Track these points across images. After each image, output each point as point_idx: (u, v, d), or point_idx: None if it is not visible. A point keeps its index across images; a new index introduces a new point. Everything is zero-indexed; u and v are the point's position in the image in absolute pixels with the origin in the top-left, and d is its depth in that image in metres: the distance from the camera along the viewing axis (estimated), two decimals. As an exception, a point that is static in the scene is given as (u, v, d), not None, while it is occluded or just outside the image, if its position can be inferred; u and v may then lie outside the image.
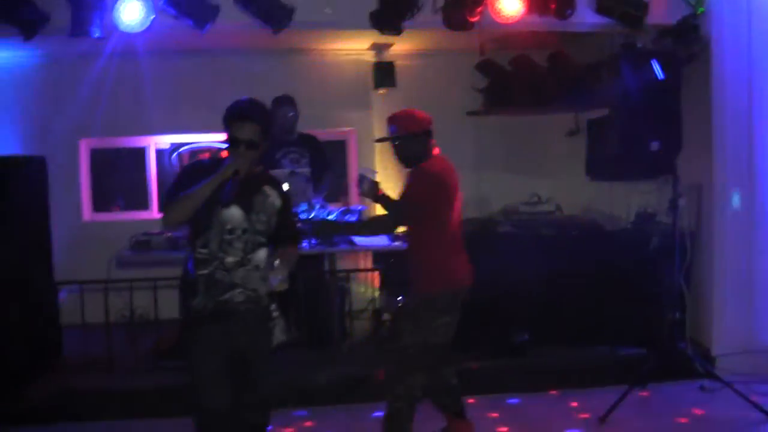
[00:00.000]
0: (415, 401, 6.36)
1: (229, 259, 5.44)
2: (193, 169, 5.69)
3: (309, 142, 9.63)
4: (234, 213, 5.45)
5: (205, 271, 5.44)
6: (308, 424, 7.74)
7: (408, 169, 6.66)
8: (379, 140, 7.14)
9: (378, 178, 6.81)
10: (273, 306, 5.70)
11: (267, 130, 5.63)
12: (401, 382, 6.33)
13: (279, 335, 5.71)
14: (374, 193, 6.62)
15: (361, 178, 6.74)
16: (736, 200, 8.99)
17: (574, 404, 8.09)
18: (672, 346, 8.21)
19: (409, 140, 6.62)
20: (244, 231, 5.49)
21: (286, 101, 9.36)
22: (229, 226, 5.44)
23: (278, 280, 5.36)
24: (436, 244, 6.51)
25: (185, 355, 5.55)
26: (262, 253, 5.57)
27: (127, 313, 8.98)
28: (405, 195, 6.46)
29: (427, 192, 6.41)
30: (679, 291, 8.47)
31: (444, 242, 6.55)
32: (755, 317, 9.00)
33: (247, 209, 5.51)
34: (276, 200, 5.67)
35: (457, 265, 6.63)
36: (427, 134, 6.69)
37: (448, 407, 6.94)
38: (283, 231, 5.74)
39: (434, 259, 6.51)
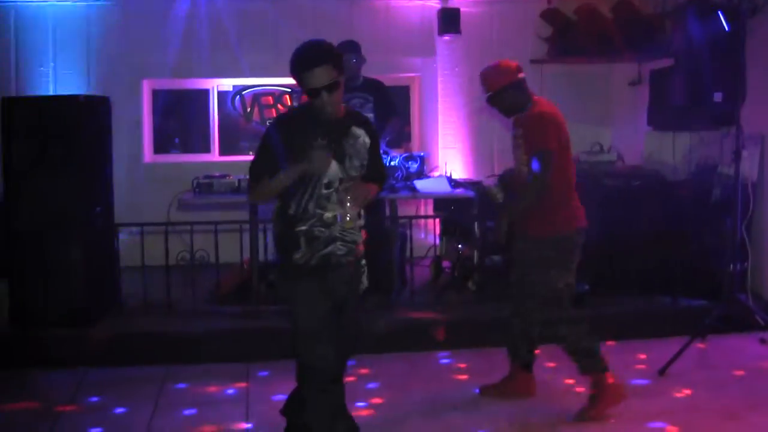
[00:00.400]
0: (585, 329, 6.54)
1: (328, 215, 5.28)
2: (280, 127, 5.36)
3: (374, 86, 9.66)
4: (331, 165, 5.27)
5: (304, 227, 5.28)
6: (364, 371, 7.69)
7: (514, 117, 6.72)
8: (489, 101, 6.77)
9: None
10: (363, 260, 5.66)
11: (340, 65, 5.23)
12: (563, 323, 6.48)
13: (364, 281, 5.69)
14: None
15: (491, 193, 7.02)
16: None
17: (634, 355, 8.06)
18: (733, 298, 8.21)
19: (502, 94, 6.56)
20: (341, 181, 5.31)
21: (350, 47, 9.37)
22: (326, 180, 5.25)
23: (344, 216, 5.27)
24: (567, 184, 6.54)
25: (288, 306, 5.44)
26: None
27: (187, 255, 9.04)
28: (537, 147, 6.36)
29: (552, 134, 6.37)
30: (741, 242, 8.45)
31: (571, 181, 6.58)
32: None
33: (341, 157, 5.30)
34: (365, 139, 5.45)
35: (578, 202, 6.63)
36: (520, 82, 6.57)
37: (519, 356, 6.94)
38: (370, 170, 5.54)
39: (565, 199, 6.51)
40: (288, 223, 5.33)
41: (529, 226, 6.50)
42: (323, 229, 5.29)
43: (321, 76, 5.10)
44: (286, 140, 5.20)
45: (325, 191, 5.26)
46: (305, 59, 5.15)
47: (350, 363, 5.89)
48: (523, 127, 6.50)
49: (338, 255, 5.36)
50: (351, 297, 5.58)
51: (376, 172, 5.64)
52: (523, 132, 6.49)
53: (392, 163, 9.08)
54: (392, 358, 8.12)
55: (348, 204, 5.26)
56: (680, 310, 8.85)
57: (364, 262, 5.65)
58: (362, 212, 5.59)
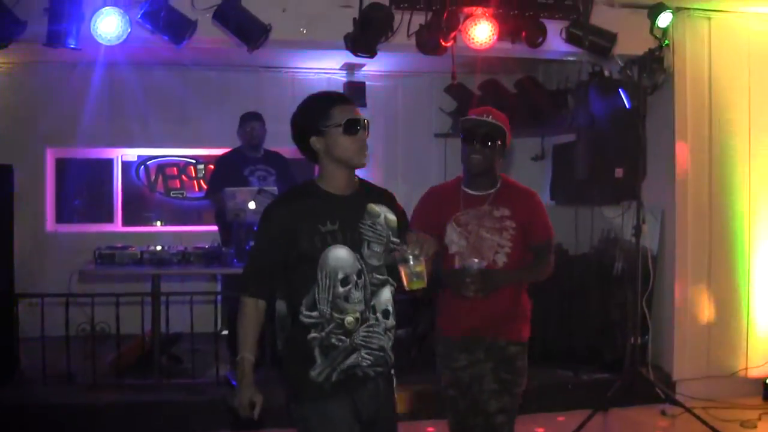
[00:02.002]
0: None
1: (349, 319, 4.29)
2: (280, 210, 4.41)
3: (275, 159, 9.66)
4: (341, 255, 4.30)
5: (318, 335, 4.29)
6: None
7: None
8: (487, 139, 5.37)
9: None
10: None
11: None
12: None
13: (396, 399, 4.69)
14: (498, 281, 5.36)
15: (470, 273, 5.27)
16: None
17: (538, 429, 8.13)
18: (634, 371, 8.32)
19: (503, 151, 5.50)
20: (360, 274, 4.32)
21: (253, 117, 9.41)
22: (341, 275, 4.28)
23: (417, 275, 4.23)
24: None
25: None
26: (386, 293, 4.42)
27: (88, 327, 8.84)
28: (546, 234, 5.59)
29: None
30: (641, 316, 8.58)
31: None
32: (715, 343, 9.16)
33: (356, 245, 4.34)
34: (389, 215, 4.48)
35: None
36: None
37: None
38: None
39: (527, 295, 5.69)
40: (298, 330, 4.33)
41: (509, 329, 5.47)
42: (343, 338, 4.29)
43: (355, 111, 4.39)
44: (290, 226, 4.29)
45: (341, 289, 4.27)
46: (335, 95, 4.57)
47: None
48: (515, 207, 5.43)
49: (364, 367, 4.34)
50: (385, 416, 4.56)
51: None
52: (514, 213, 5.41)
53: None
54: None
55: (410, 261, 4.20)
56: (583, 383, 8.90)
57: (393, 372, 4.60)
58: (391, 311, 4.47)
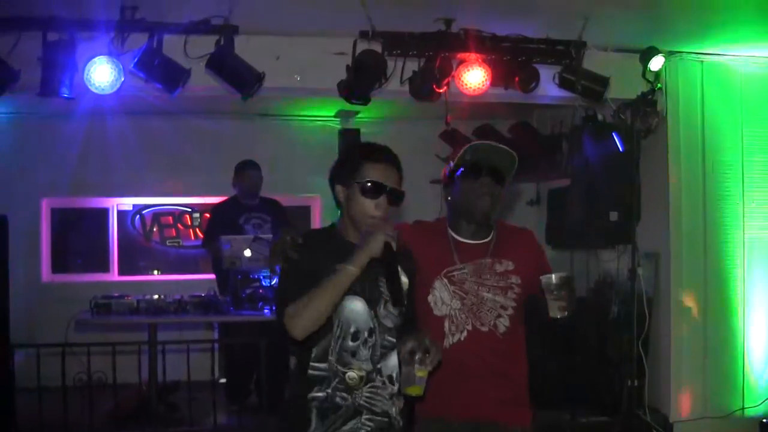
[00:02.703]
0: None
1: (352, 374, 4.01)
2: (304, 249, 4.10)
3: (271, 206, 9.70)
4: (357, 308, 4.04)
5: (321, 394, 4.01)
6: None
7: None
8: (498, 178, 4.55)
9: None
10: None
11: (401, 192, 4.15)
12: None
13: None
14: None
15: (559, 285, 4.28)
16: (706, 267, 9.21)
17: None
18: (631, 414, 8.31)
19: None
20: (371, 332, 4.06)
21: (250, 165, 9.45)
22: (353, 329, 4.03)
23: (418, 380, 3.88)
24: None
25: None
26: (393, 360, 4.11)
27: (85, 377, 8.75)
28: (544, 256, 4.85)
29: None
30: (638, 358, 8.58)
31: None
32: (711, 383, 9.14)
33: (372, 300, 4.08)
34: (403, 278, 4.18)
35: None
36: None
37: None
38: (410, 319, 4.24)
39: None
40: (302, 387, 4.07)
41: (522, 413, 4.65)
42: (345, 395, 4.02)
43: (390, 174, 4.10)
44: (313, 266, 3.99)
45: (351, 344, 4.01)
46: (378, 148, 4.24)
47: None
48: (518, 257, 4.57)
49: None
50: None
51: (409, 321, 4.24)
52: (518, 265, 4.55)
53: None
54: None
55: (418, 362, 3.88)
56: (580, 426, 8.88)
57: None
58: (395, 378, 4.13)
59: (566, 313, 4.24)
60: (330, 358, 4.01)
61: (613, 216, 8.72)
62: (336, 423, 4.00)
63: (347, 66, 8.02)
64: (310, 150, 11.80)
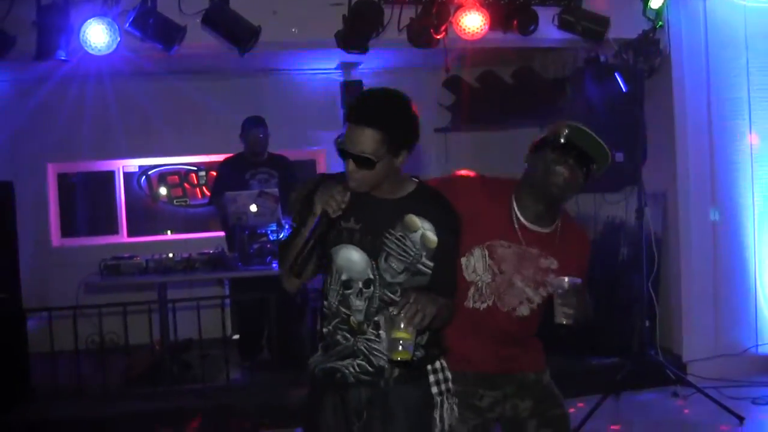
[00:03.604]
0: None
1: (354, 319, 3.97)
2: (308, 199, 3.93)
3: (278, 162, 9.65)
4: (352, 257, 3.96)
5: (327, 328, 4.05)
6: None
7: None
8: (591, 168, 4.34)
9: None
10: (436, 388, 4.06)
11: (397, 141, 3.81)
12: None
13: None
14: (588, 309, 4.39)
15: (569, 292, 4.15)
16: (714, 214, 9.16)
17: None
18: (643, 355, 8.31)
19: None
20: (368, 284, 3.95)
21: (256, 122, 9.39)
22: (345, 277, 3.98)
23: (398, 345, 3.64)
24: None
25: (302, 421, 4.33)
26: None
27: (97, 339, 8.83)
28: (586, 269, 4.57)
29: None
30: (648, 299, 8.56)
31: None
32: (723, 322, 9.18)
33: (374, 252, 3.94)
34: (429, 234, 3.95)
35: None
36: None
37: None
38: (433, 281, 3.99)
39: None
40: (319, 319, 4.15)
41: (535, 359, 4.62)
42: (348, 336, 4.00)
43: (360, 137, 3.77)
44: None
45: (345, 291, 3.98)
46: (357, 108, 3.85)
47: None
48: (565, 260, 4.38)
49: (347, 374, 4.00)
50: None
51: (439, 285, 3.98)
52: (562, 267, 4.34)
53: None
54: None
55: (399, 324, 3.64)
56: (591, 368, 8.90)
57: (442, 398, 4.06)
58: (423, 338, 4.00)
59: (571, 321, 4.15)
60: (330, 298, 4.01)
61: (619, 157, 8.66)
62: (332, 357, 4.01)
63: (344, 16, 7.98)
64: (313, 103, 11.78)
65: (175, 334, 8.76)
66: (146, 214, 12.21)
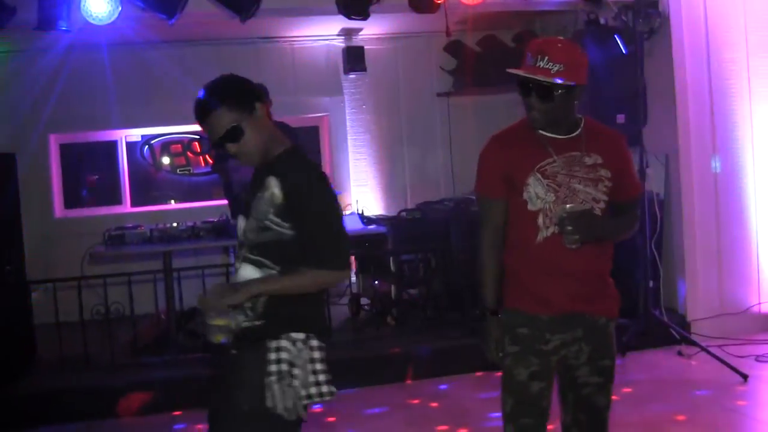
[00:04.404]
0: None
1: (233, 278, 4.09)
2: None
3: (281, 129, 9.65)
4: (239, 225, 4.13)
5: None
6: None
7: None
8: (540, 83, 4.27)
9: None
10: (275, 367, 3.90)
11: (243, 101, 3.97)
12: None
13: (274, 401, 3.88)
14: (600, 228, 4.37)
15: (571, 216, 4.23)
16: (716, 165, 9.19)
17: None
18: (648, 314, 8.35)
19: (578, 93, 4.32)
20: (240, 246, 4.09)
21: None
22: (237, 243, 4.20)
23: (214, 327, 3.82)
24: None
25: None
26: (244, 272, 4.00)
27: (102, 309, 8.75)
28: (638, 187, 4.69)
29: None
30: (652, 260, 8.60)
31: None
32: (726, 281, 9.23)
33: (247, 215, 4.07)
34: (274, 192, 3.93)
35: None
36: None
37: None
38: (300, 243, 3.95)
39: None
40: None
41: (608, 303, 4.58)
42: None
43: (215, 124, 3.93)
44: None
45: (239, 252, 4.13)
46: (195, 109, 3.98)
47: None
48: (607, 153, 4.44)
49: (212, 334, 3.93)
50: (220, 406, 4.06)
51: (303, 246, 3.95)
52: (607, 160, 4.42)
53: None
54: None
55: (207, 312, 3.86)
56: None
57: (279, 369, 3.89)
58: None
59: (579, 245, 4.20)
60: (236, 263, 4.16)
61: (620, 119, 8.68)
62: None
63: (345, -19, 7.99)
64: (315, 70, 11.81)
65: (181, 303, 8.79)
66: (149, 184, 12.22)
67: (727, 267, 9.22)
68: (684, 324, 8.92)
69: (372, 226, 9.23)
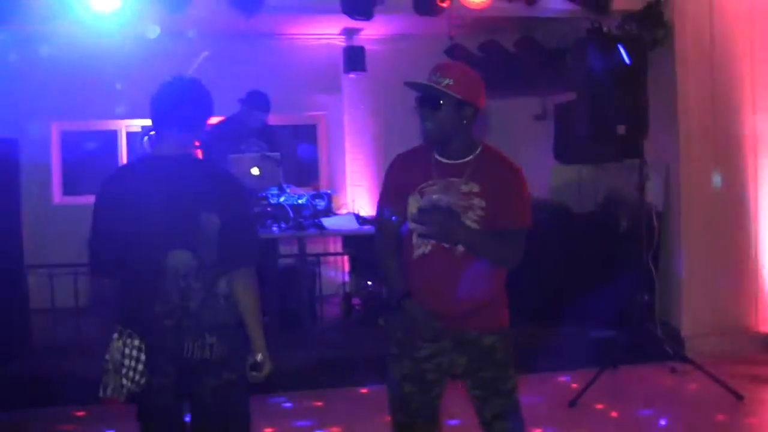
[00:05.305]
0: None
1: None
2: None
3: (267, 132, 9.68)
4: None
5: None
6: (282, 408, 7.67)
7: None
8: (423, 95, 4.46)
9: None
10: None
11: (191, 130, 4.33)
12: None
13: None
14: (460, 231, 4.36)
15: (434, 209, 4.37)
16: (717, 180, 9.15)
17: (543, 387, 8.09)
18: (642, 328, 8.32)
19: (473, 114, 4.44)
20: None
21: (266, 106, 9.33)
22: None
23: None
24: None
25: None
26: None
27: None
28: (519, 222, 4.54)
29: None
30: (648, 272, 8.57)
31: None
32: (723, 297, 9.17)
33: None
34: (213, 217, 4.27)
35: None
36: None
37: None
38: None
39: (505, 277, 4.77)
40: None
41: (480, 317, 4.57)
42: None
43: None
44: None
45: None
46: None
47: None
48: (487, 182, 4.45)
49: None
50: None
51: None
52: (485, 189, 4.44)
53: (300, 201, 9.08)
54: (305, 395, 8.02)
55: None
56: (590, 341, 8.90)
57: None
58: None
59: (427, 238, 4.40)
60: None
61: (621, 129, 8.63)
62: None
63: (350, -19, 7.99)
64: (314, 69, 11.81)
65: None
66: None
67: (725, 283, 9.17)
68: (678, 339, 8.88)
69: (367, 226, 9.21)
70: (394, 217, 4.57)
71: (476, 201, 4.40)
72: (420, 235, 4.42)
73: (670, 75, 9.07)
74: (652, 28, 8.90)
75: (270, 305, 9.15)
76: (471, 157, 4.48)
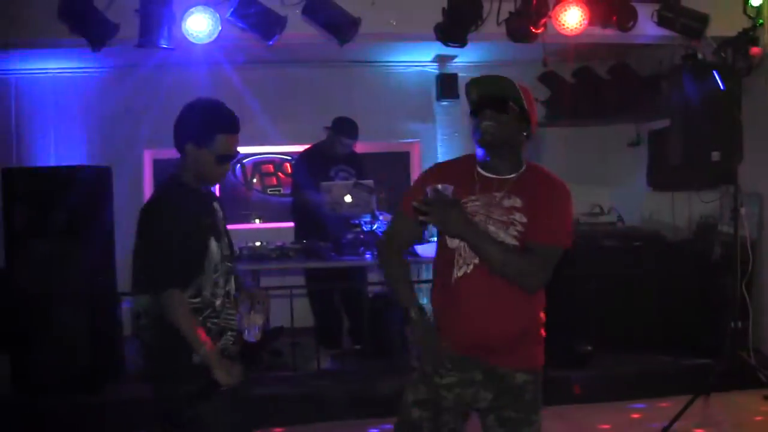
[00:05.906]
0: None
1: (218, 302, 4.65)
2: None
3: (355, 159, 9.74)
4: (212, 246, 4.64)
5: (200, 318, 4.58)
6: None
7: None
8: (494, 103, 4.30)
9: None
10: None
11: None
12: None
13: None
14: (461, 222, 4.15)
15: (435, 197, 4.12)
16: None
17: (637, 415, 8.08)
18: (735, 356, 8.21)
19: (527, 135, 4.37)
20: (222, 262, 4.67)
21: (353, 132, 9.43)
22: (213, 263, 4.62)
23: (256, 332, 4.84)
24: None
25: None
26: (232, 281, 4.80)
27: None
28: (559, 240, 4.31)
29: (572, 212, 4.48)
30: (741, 300, 8.47)
31: None
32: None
33: (219, 236, 4.70)
34: (222, 212, 4.90)
35: None
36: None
37: None
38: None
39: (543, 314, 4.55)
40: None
41: (516, 354, 4.40)
42: (215, 321, 4.67)
43: (236, 142, 4.80)
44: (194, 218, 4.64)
45: (214, 276, 4.64)
46: (227, 118, 4.76)
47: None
48: (530, 197, 4.31)
49: (231, 348, 4.81)
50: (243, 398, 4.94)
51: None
52: (527, 204, 4.29)
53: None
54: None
55: (255, 313, 4.84)
56: (683, 369, 8.80)
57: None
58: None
59: (424, 218, 4.17)
60: (204, 293, 4.57)
61: (715, 156, 8.57)
62: (213, 340, 4.57)
63: (443, 9, 8.02)
64: (407, 96, 11.86)
65: (267, 322, 8.82)
66: (239, 202, 12.32)
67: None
68: (772, 367, 8.77)
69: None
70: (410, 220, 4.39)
71: (517, 216, 4.27)
72: (420, 223, 4.27)
73: (765, 101, 8.96)
74: (747, 55, 8.80)
75: (362, 333, 9.21)
76: (515, 174, 4.37)
